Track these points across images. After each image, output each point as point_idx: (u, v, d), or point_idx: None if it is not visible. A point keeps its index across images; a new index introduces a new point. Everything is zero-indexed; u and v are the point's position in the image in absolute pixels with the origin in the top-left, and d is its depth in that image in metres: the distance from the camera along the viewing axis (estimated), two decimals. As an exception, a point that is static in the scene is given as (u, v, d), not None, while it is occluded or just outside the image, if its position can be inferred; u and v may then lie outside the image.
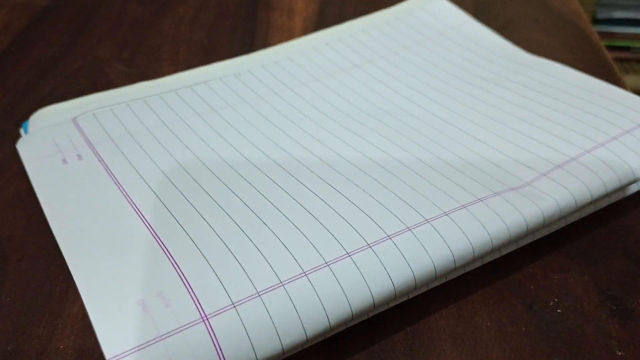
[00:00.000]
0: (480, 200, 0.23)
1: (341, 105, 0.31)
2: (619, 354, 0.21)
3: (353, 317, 0.20)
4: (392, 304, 0.22)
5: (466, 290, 0.23)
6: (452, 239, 0.22)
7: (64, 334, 0.22)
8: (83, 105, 0.30)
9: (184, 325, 0.18)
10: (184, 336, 0.18)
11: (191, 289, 0.20)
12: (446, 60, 0.34)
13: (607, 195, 0.25)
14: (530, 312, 0.22)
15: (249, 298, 0.19)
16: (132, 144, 0.27)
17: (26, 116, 0.33)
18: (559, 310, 0.22)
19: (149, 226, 0.23)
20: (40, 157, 0.26)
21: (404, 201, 0.23)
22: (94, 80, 0.36)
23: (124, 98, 0.31)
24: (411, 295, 0.22)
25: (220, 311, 0.19)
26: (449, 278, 0.23)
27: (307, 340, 0.19)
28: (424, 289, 0.22)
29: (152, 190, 0.24)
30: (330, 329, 0.20)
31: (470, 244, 0.22)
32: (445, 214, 0.22)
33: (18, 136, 0.31)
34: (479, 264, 0.23)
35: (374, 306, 0.20)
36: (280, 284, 0.20)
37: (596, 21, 1.18)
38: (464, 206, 0.23)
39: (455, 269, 0.22)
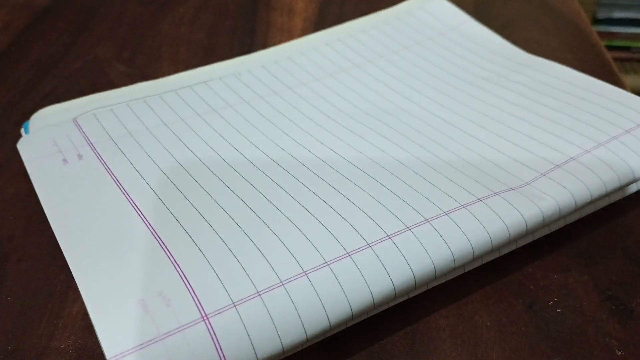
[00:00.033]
0: (480, 200, 0.23)
1: (341, 105, 0.31)
2: (619, 353, 0.21)
3: (353, 317, 0.20)
4: (392, 304, 0.22)
5: (466, 290, 0.23)
6: (452, 238, 0.22)
7: (64, 333, 0.22)
8: (83, 105, 0.30)
9: (184, 325, 0.18)
10: (184, 336, 0.18)
11: (191, 288, 0.20)
12: (446, 60, 0.34)
13: (607, 195, 0.25)
14: (530, 312, 0.22)
15: (249, 297, 0.19)
16: (132, 143, 0.27)
17: (26, 116, 0.33)
18: (558, 310, 0.22)
19: (149, 226, 0.23)
20: (40, 157, 0.26)
21: (404, 201, 0.23)
22: (94, 80, 0.36)
23: (124, 98, 0.31)
24: (411, 295, 0.22)
25: (221, 311, 0.19)
26: (449, 278, 0.23)
27: (307, 340, 0.19)
28: (424, 289, 0.22)
29: (152, 189, 0.25)
30: (330, 328, 0.20)
31: (470, 243, 0.22)
32: (445, 213, 0.22)
33: (18, 136, 0.31)
34: (478, 263, 0.23)
35: (374, 306, 0.20)
36: (281, 284, 0.20)
37: (596, 21, 1.18)
38: (463, 206, 0.23)
39: (455, 269, 0.22)
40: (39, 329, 0.22)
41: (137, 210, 0.23)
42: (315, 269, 0.20)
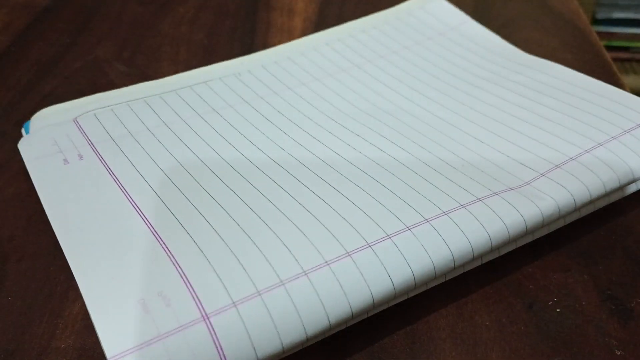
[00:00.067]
0: (480, 200, 0.23)
1: (341, 105, 0.31)
2: (619, 353, 0.21)
3: (353, 316, 0.20)
4: (391, 303, 0.22)
5: (466, 290, 0.23)
6: (452, 238, 0.22)
7: (65, 333, 0.22)
8: (83, 105, 0.30)
9: (185, 325, 0.18)
10: (184, 335, 0.18)
11: (192, 288, 0.20)
12: (446, 60, 0.34)
13: (607, 195, 0.25)
14: (530, 311, 0.22)
15: (250, 297, 0.19)
16: (132, 143, 0.28)
17: (26, 116, 0.33)
18: (558, 310, 0.22)
19: (149, 225, 0.23)
20: (41, 157, 0.26)
21: (404, 201, 0.23)
22: (94, 80, 0.36)
23: (125, 98, 0.31)
24: (411, 295, 0.22)
25: (221, 310, 0.19)
26: (449, 277, 0.23)
27: (307, 339, 0.19)
28: (424, 289, 0.22)
29: (152, 189, 0.25)
30: (330, 328, 0.20)
31: (470, 243, 0.22)
32: (445, 213, 0.22)
33: (18, 136, 0.31)
34: (478, 263, 0.23)
35: (374, 305, 0.20)
36: (281, 283, 0.20)
37: (596, 21, 1.18)
38: (463, 206, 0.23)
39: (454, 269, 0.22)
40: (39, 329, 0.22)
41: (138, 210, 0.23)
42: (315, 268, 0.20)
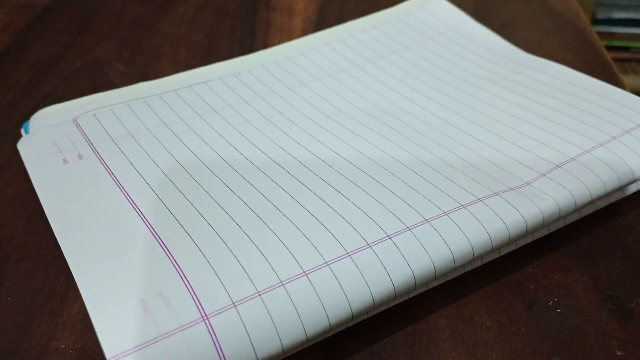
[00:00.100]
0: (480, 200, 0.23)
1: (341, 105, 0.31)
2: (619, 353, 0.21)
3: (353, 317, 0.20)
4: (392, 304, 0.22)
5: (466, 290, 0.23)
6: (452, 238, 0.22)
7: (65, 333, 0.22)
8: (83, 105, 0.30)
9: (184, 325, 0.18)
10: (184, 336, 0.18)
11: (191, 288, 0.20)
12: (446, 60, 0.34)
13: (607, 195, 0.25)
14: (530, 312, 0.22)
15: (249, 297, 0.19)
16: (132, 143, 0.28)
17: (26, 116, 0.33)
18: (558, 310, 0.22)
19: (149, 226, 0.23)
20: (41, 157, 0.26)
21: (404, 201, 0.23)
22: (94, 80, 0.36)
23: (124, 98, 0.31)
24: (411, 295, 0.22)
25: (221, 311, 0.19)
26: (449, 278, 0.23)
27: (307, 340, 0.19)
28: (424, 289, 0.22)
29: (152, 189, 0.25)
30: (330, 328, 0.20)
31: (470, 243, 0.22)
32: (445, 213, 0.22)
33: (18, 136, 0.31)
34: (478, 263, 0.23)
35: (374, 306, 0.20)
36: (281, 284, 0.20)
37: (596, 21, 1.18)
38: (463, 206, 0.23)
39: (454, 269, 0.22)
40: (39, 329, 0.22)
41: (137, 210, 0.23)
42: (315, 269, 0.20)
